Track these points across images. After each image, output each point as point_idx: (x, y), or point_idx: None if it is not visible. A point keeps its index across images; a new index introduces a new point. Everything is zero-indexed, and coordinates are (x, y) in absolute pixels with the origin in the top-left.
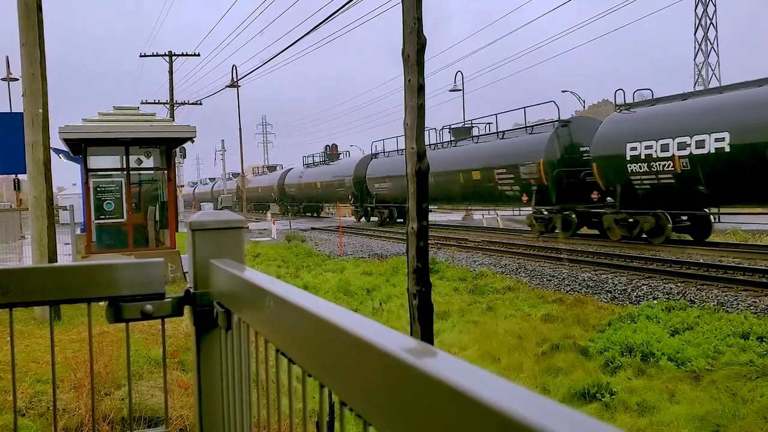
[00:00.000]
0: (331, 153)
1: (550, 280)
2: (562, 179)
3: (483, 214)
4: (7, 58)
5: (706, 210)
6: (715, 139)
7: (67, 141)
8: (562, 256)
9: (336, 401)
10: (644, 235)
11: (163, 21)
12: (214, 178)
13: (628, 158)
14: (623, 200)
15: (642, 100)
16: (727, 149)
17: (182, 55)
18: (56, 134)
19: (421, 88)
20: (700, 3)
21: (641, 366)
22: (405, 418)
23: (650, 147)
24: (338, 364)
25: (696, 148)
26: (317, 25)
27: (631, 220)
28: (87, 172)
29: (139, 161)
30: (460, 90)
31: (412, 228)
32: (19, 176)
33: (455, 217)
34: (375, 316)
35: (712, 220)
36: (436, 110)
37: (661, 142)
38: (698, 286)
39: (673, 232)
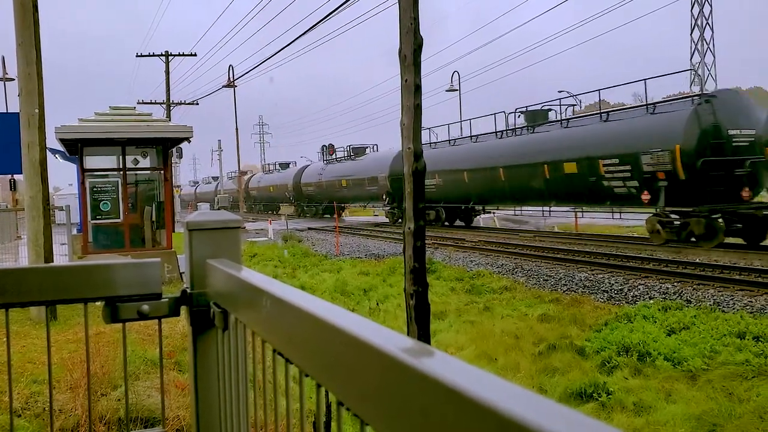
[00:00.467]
0: (356, 147)
1: (547, 280)
2: (705, 172)
3: (480, 216)
4: (3, 58)
5: None
6: None
7: (63, 141)
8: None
9: (333, 401)
10: None
11: (160, 21)
12: (217, 177)
13: None
14: None
15: None
16: None
17: (179, 55)
18: (52, 134)
19: (417, 88)
20: (696, 3)
21: (638, 366)
22: (402, 418)
23: None
24: (335, 364)
25: None
26: (313, 26)
27: None
28: (83, 172)
29: (136, 161)
30: (457, 90)
31: (409, 228)
32: (16, 176)
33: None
34: (372, 316)
35: None
36: (433, 110)
37: None
38: (694, 286)
39: None
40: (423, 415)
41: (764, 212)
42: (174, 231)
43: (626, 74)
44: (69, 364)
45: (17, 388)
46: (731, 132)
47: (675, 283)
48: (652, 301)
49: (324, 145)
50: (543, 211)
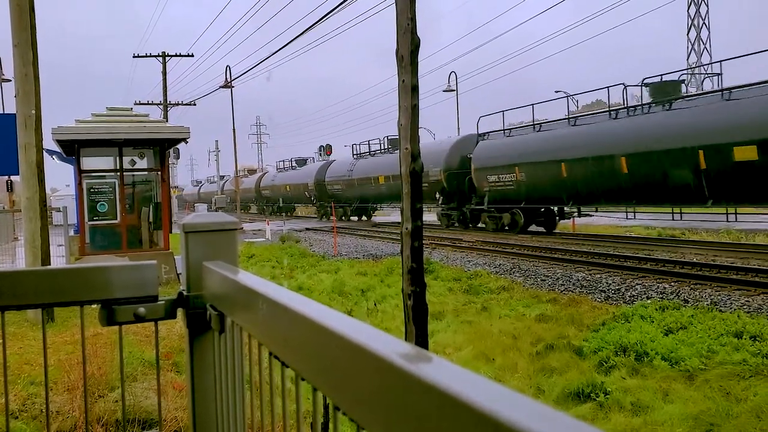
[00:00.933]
0: (395, 138)
1: (545, 280)
2: None
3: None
4: (0, 59)
5: None
6: None
7: (60, 142)
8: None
9: (330, 404)
10: None
11: (157, 21)
12: (223, 176)
13: None
14: None
15: None
16: None
17: (176, 55)
18: (49, 135)
19: (414, 89)
20: (692, 3)
21: (635, 365)
22: (398, 423)
23: None
24: (331, 368)
25: None
26: (310, 27)
27: None
28: (80, 173)
29: (133, 162)
30: (454, 90)
31: (407, 228)
32: (12, 177)
33: None
34: (369, 316)
35: None
36: (430, 110)
37: None
38: (692, 286)
39: None
40: (419, 420)
41: None
42: (171, 232)
43: (623, 75)
44: (66, 365)
45: (14, 390)
46: None
47: (672, 283)
48: (649, 301)
49: (321, 146)
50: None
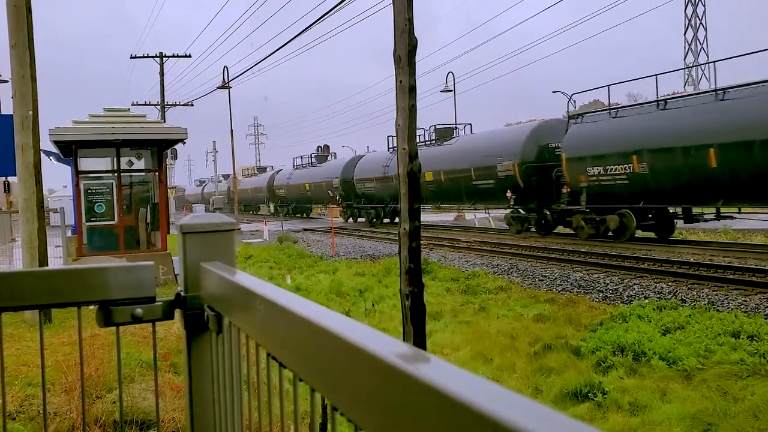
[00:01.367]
0: (444, 128)
1: (542, 280)
2: None
3: (475, 214)
4: None
5: None
6: None
7: (57, 143)
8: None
9: (328, 405)
10: None
11: (154, 22)
12: (228, 175)
13: None
14: None
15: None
16: None
17: (173, 56)
18: (46, 136)
19: (412, 89)
20: (689, 3)
21: (633, 365)
22: (396, 424)
23: None
24: (329, 369)
25: None
26: (307, 28)
27: None
28: (77, 174)
29: (130, 163)
30: (452, 90)
31: (405, 229)
32: (9, 178)
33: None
34: (367, 317)
35: None
36: (428, 111)
37: None
38: (689, 286)
39: None
40: (417, 421)
41: None
42: (169, 233)
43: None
44: (64, 366)
45: (11, 392)
46: None
47: (670, 283)
48: (647, 301)
49: (319, 146)
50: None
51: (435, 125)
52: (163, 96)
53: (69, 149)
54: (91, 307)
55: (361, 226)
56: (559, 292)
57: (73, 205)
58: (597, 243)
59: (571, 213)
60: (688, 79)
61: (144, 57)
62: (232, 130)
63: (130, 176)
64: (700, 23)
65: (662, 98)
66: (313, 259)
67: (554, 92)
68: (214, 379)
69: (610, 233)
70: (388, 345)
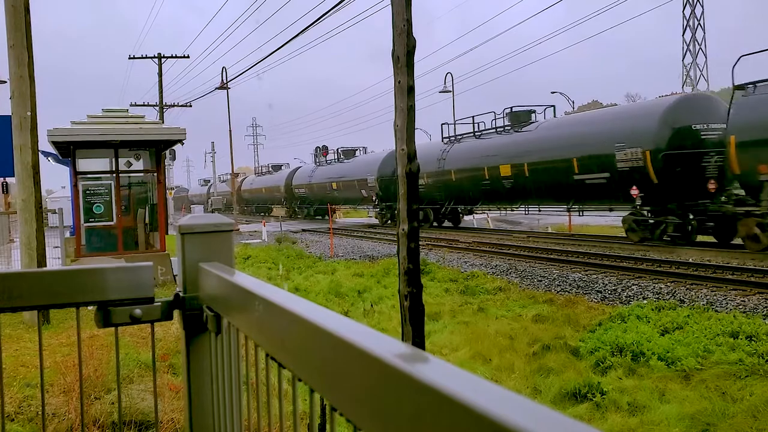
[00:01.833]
0: (519, 112)
1: (541, 281)
2: None
3: (474, 216)
4: None
5: None
6: None
7: (55, 144)
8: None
9: (327, 405)
10: None
11: (153, 23)
12: (238, 174)
13: None
14: None
15: None
16: None
17: (171, 57)
18: (45, 137)
19: (411, 90)
20: (687, 4)
21: (632, 366)
22: (395, 423)
23: None
24: (327, 369)
25: None
26: (305, 29)
27: None
28: (76, 174)
29: (129, 164)
30: (450, 91)
31: (403, 229)
32: (8, 179)
33: None
34: (366, 317)
35: None
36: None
37: None
38: (688, 286)
39: None
40: (416, 421)
41: None
42: (167, 233)
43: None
44: (62, 367)
45: (10, 393)
46: None
47: (668, 283)
48: (645, 301)
49: (318, 147)
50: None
51: (511, 107)
52: (161, 96)
53: (67, 150)
54: (90, 307)
55: (361, 227)
56: (558, 292)
57: (72, 206)
58: (595, 243)
59: (736, 217)
60: (686, 80)
61: (142, 58)
62: (230, 131)
63: (129, 177)
64: (698, 24)
65: None
66: (312, 259)
67: (553, 93)
68: (213, 380)
69: None
70: (387, 345)
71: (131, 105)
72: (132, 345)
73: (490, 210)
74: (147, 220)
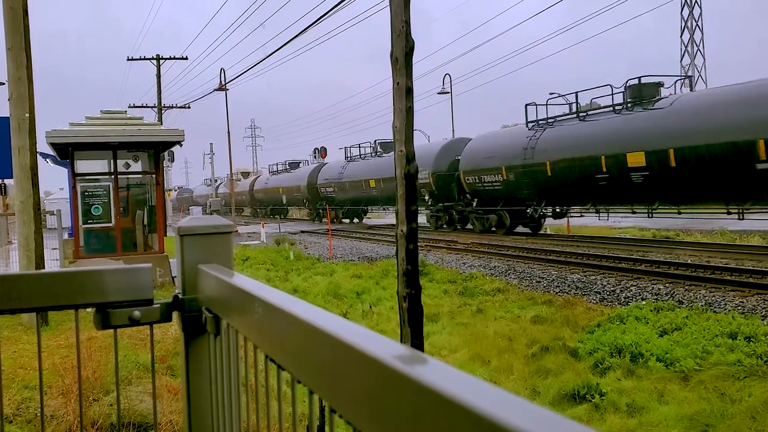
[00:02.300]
0: (642, 84)
1: (540, 282)
2: None
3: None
4: None
5: None
6: None
7: (54, 145)
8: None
9: (326, 407)
10: None
11: (151, 24)
12: (247, 173)
13: None
14: None
15: None
16: None
17: (170, 58)
18: (43, 138)
19: (409, 91)
20: (686, 5)
21: (630, 367)
22: (395, 425)
23: None
24: (327, 371)
25: None
26: (304, 29)
27: None
28: (74, 176)
29: (127, 165)
30: (448, 93)
31: (402, 231)
32: (6, 181)
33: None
34: (365, 319)
35: None
36: (425, 112)
37: None
38: (686, 287)
39: None
40: (416, 423)
41: None
42: (166, 235)
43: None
44: (61, 369)
45: (8, 395)
46: None
47: (667, 284)
48: (644, 302)
49: (316, 148)
50: None
51: (638, 78)
52: (159, 98)
53: (66, 151)
54: (89, 309)
55: (361, 228)
56: (557, 293)
57: (70, 208)
58: (594, 245)
59: None
60: (684, 80)
61: (141, 59)
62: (229, 132)
63: (127, 178)
64: (696, 25)
65: None
66: (311, 260)
67: (551, 94)
68: (212, 382)
69: None
70: (386, 347)
71: (130, 106)
72: (131, 347)
73: (586, 212)
74: (145, 222)
